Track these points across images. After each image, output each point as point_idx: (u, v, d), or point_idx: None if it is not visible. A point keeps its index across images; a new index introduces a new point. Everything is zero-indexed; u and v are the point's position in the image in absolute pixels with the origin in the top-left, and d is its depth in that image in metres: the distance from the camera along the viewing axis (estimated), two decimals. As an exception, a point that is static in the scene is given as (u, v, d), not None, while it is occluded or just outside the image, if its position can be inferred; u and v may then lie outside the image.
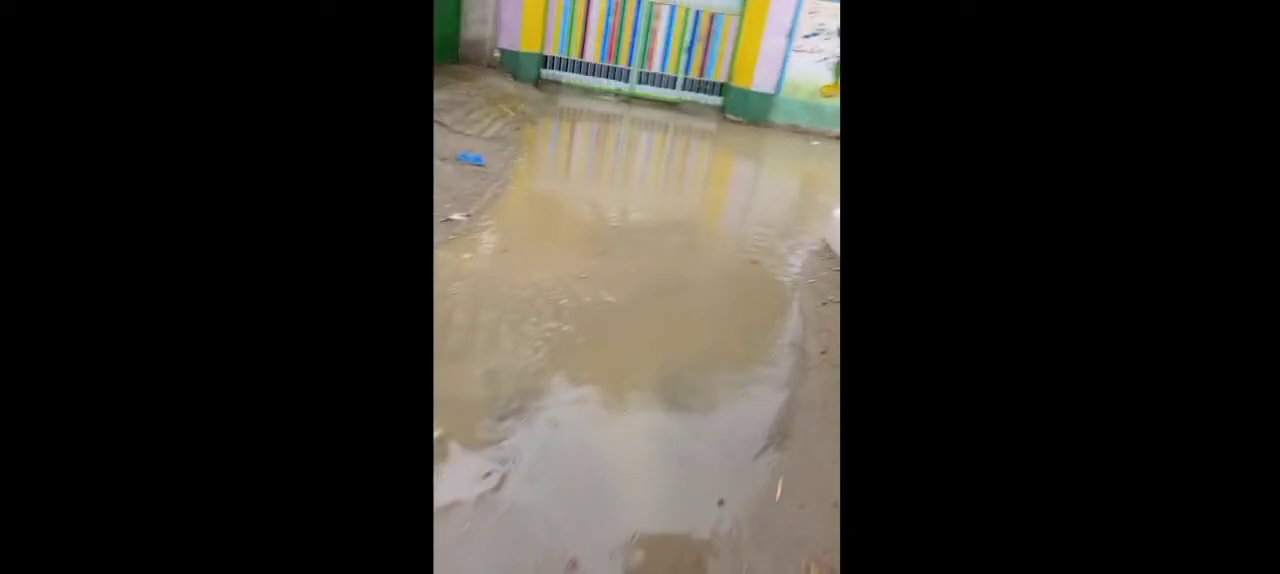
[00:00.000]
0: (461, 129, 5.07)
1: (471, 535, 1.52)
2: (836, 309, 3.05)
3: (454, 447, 1.76)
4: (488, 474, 1.68)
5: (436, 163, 3.99)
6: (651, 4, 7.95)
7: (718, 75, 8.40)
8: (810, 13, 7.82)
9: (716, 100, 8.50)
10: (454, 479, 1.66)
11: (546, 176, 4.82)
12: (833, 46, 8.03)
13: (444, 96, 5.64)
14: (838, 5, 7.86)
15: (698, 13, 8.04)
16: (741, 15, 7.92)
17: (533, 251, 3.13)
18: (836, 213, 3.92)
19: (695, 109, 8.42)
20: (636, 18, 8.04)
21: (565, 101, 7.57)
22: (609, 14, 8.00)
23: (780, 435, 2.04)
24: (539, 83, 8.13)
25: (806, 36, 7.93)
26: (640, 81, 8.46)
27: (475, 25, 7.62)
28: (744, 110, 8.22)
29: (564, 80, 8.40)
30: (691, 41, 8.22)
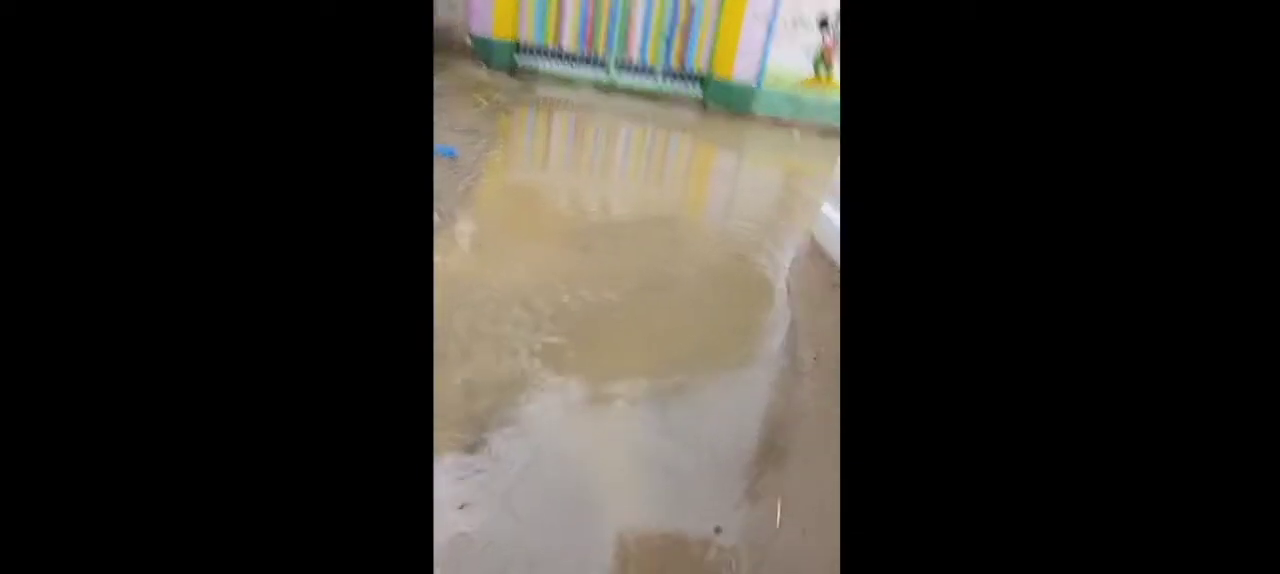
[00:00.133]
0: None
1: (443, 576, 1.36)
2: (828, 311, 2.92)
3: (423, 471, 1.60)
4: (463, 506, 1.51)
5: (406, 154, 3.77)
6: (630, -9, 7.77)
7: (698, 66, 8.24)
8: (790, 2, 7.70)
9: (697, 92, 8.35)
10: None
11: (523, 169, 4.63)
12: (813, 38, 7.93)
13: (415, 84, 5.39)
14: (819, -5, 7.77)
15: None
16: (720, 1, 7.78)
17: (510, 250, 2.96)
18: (826, 208, 3.80)
19: (675, 100, 8.26)
20: (614, 2, 7.85)
21: (541, 90, 7.36)
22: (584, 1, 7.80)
23: (778, 453, 1.90)
24: (514, 71, 7.90)
25: (787, 26, 7.81)
26: (619, 71, 8.27)
27: (444, 9, 7.33)
28: (725, 102, 8.09)
29: (540, 68, 8.17)
30: (670, 30, 8.05)
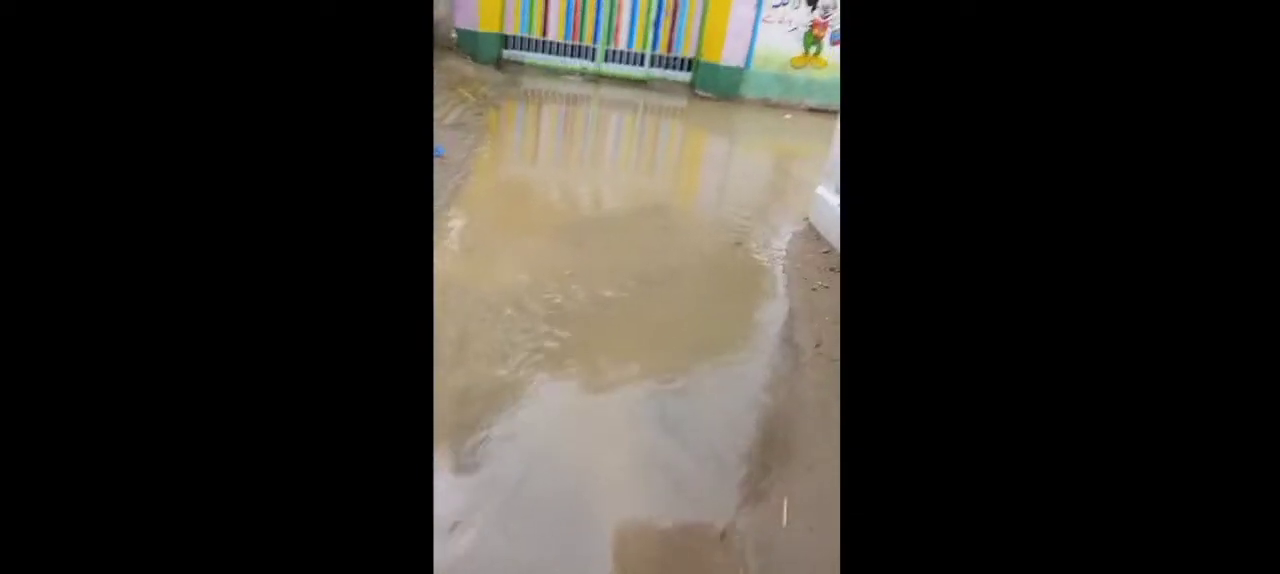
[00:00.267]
0: (419, 117, 4.76)
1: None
2: (826, 295, 2.87)
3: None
4: (455, 524, 1.46)
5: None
6: (614, -22, 7.67)
7: (686, 50, 8.14)
8: (778, -19, 7.60)
9: (686, 77, 8.25)
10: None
11: (513, 164, 4.56)
12: (802, 16, 7.83)
13: (399, 83, 5.31)
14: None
15: (663, -15, 7.78)
16: (708, -14, 7.68)
17: (501, 250, 2.90)
18: (820, 190, 3.74)
19: (664, 86, 8.17)
20: (599, -8, 7.75)
21: (529, 83, 7.27)
22: (571, -10, 7.70)
23: (782, 448, 1.85)
24: (500, 64, 7.80)
25: (775, 6, 7.71)
26: (607, 59, 8.17)
27: (430, 5, 7.23)
28: (714, 86, 8.00)
29: (526, 61, 8.07)
30: (658, 16, 7.94)
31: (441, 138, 4.42)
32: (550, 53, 8.09)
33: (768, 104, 8.06)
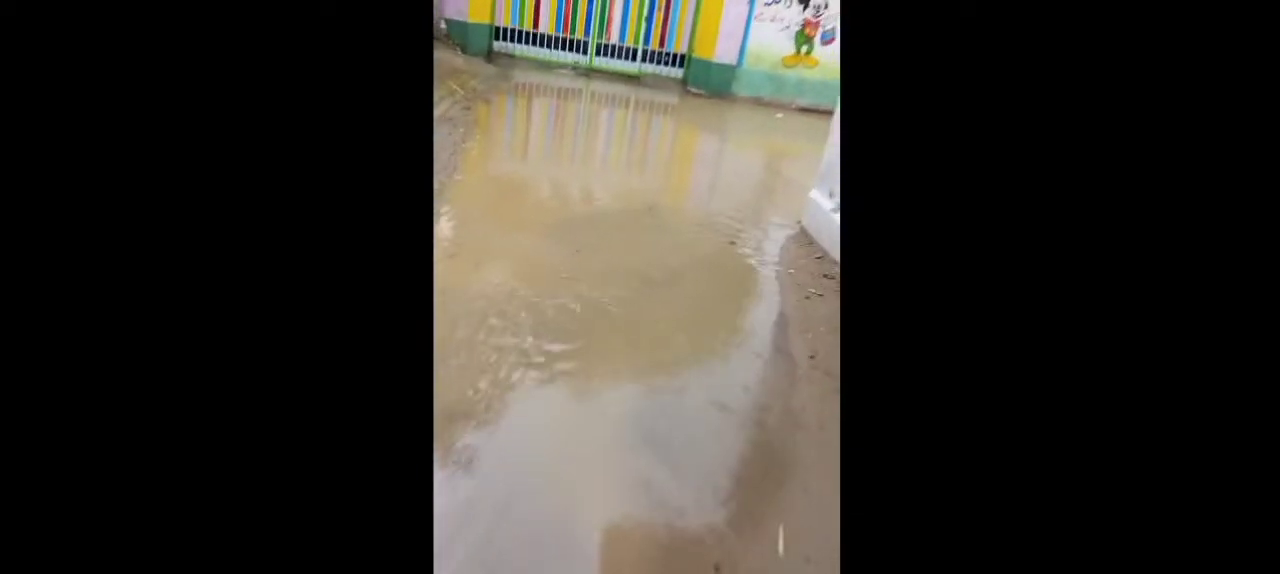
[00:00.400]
0: (406, 110, 4.66)
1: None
2: (820, 303, 2.82)
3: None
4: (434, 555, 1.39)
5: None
6: (607, -29, 7.56)
7: (679, 46, 8.06)
8: (773, -21, 7.54)
9: (678, 73, 8.17)
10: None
11: (502, 160, 4.47)
12: (794, 15, 7.77)
13: (386, 74, 5.20)
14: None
15: (656, -20, 7.69)
16: (702, -18, 7.59)
17: (488, 253, 2.81)
18: (814, 194, 3.68)
19: (657, 82, 8.08)
20: (592, -15, 7.64)
21: (520, 76, 7.16)
22: (562, -18, 7.59)
23: (777, 471, 1.79)
24: (490, 56, 7.68)
25: (767, 3, 7.64)
26: (599, 54, 8.07)
27: (419, -5, 7.09)
28: (706, 83, 7.93)
29: (517, 53, 7.95)
30: (650, 10, 7.85)
31: (428, 132, 4.31)
32: (542, 45, 7.98)
33: (759, 102, 8.00)
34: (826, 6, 7.74)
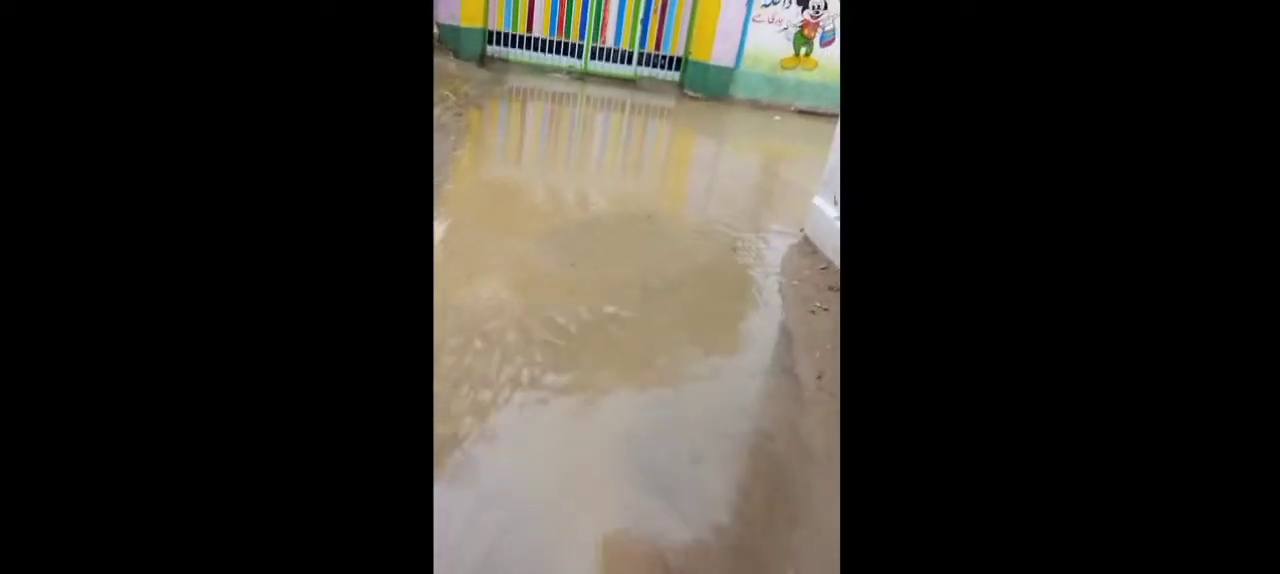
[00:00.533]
0: (396, 117, 4.53)
1: None
2: (826, 318, 2.70)
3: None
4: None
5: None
6: (602, -27, 7.45)
7: (675, 49, 7.95)
8: (770, -20, 7.44)
9: (674, 76, 8.06)
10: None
11: (495, 167, 4.34)
12: (792, 16, 7.66)
13: (376, 80, 5.07)
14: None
15: (652, -19, 7.58)
16: (698, -16, 7.48)
17: (478, 265, 2.69)
18: (816, 200, 3.57)
19: (653, 85, 7.97)
20: (586, -12, 7.53)
21: (514, 81, 7.04)
22: (557, -16, 7.47)
23: (788, 507, 1.67)
24: (484, 61, 7.56)
25: (765, 5, 7.53)
26: (594, 57, 7.96)
27: (410, -1, 6.97)
28: (703, 86, 7.82)
29: (511, 57, 7.84)
30: (646, 13, 7.74)
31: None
32: (536, 49, 7.87)
33: (757, 105, 7.89)
34: (826, 7, 7.64)
